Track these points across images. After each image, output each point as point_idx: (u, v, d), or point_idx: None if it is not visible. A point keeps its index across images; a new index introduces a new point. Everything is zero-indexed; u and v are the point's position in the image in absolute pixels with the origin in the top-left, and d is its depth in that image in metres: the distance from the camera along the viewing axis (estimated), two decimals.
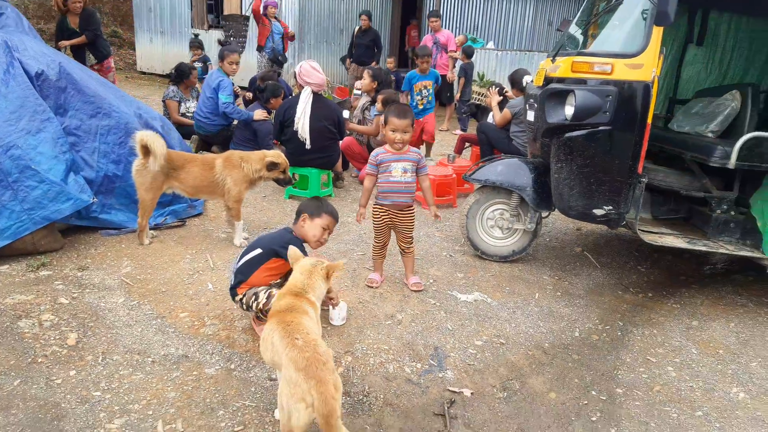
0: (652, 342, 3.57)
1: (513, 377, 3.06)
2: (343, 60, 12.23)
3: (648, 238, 3.92)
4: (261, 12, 10.10)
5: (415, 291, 3.86)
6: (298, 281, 2.51)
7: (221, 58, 6.83)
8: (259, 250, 3.13)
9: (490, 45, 12.84)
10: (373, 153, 3.77)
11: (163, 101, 8.04)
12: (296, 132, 5.49)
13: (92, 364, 2.86)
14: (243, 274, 3.15)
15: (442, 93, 10.00)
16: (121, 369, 2.84)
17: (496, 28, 13.97)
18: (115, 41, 17.38)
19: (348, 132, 6.98)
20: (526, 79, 6.44)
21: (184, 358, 2.97)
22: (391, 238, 3.94)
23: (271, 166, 4.32)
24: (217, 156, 4.36)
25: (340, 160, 6.07)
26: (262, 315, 3.07)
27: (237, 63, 6.89)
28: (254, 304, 3.07)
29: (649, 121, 3.65)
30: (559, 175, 3.98)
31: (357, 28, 11.40)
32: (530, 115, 4.40)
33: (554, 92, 3.94)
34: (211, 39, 13.02)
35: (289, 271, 3.16)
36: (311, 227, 3.21)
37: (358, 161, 6.72)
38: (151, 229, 4.50)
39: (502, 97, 7.00)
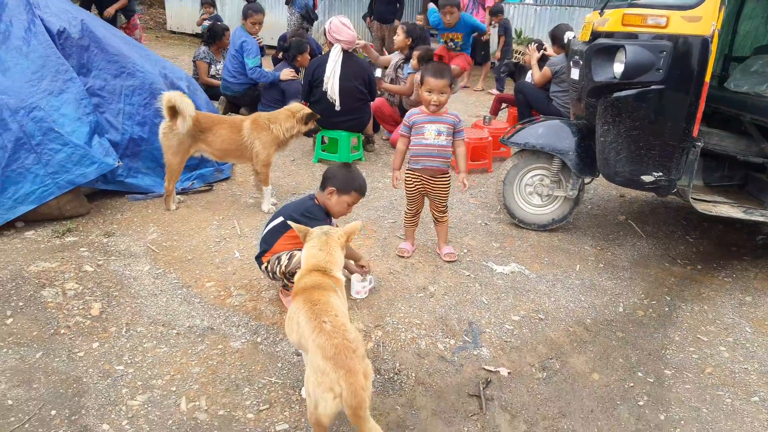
0: (703, 319, 3.34)
1: (553, 356, 2.88)
2: (363, 18, 11.51)
3: (701, 207, 3.64)
4: None
5: (448, 261, 3.68)
6: (318, 258, 2.34)
7: (245, 16, 6.61)
8: (281, 219, 2.98)
9: (529, 0, 12.27)
10: (407, 114, 3.55)
11: (194, 61, 7.88)
12: (325, 92, 5.28)
13: (116, 336, 2.78)
14: (267, 243, 3.02)
15: (476, 51, 9.58)
16: (145, 341, 2.75)
17: None
18: (146, 0, 17.22)
19: (379, 92, 6.74)
20: (569, 35, 6.05)
21: (210, 330, 2.87)
22: (424, 206, 3.75)
23: (309, 117, 4.26)
24: (245, 118, 4.19)
25: (371, 122, 5.84)
26: (286, 281, 2.95)
27: (260, 23, 6.67)
28: (278, 269, 2.94)
29: (707, 80, 3.33)
30: (605, 138, 3.71)
31: None
32: (574, 74, 4.10)
33: (602, 48, 3.64)
34: None
35: None
36: (337, 203, 3.04)
37: (389, 123, 6.49)
38: (178, 194, 4.39)
39: (541, 55, 6.63)
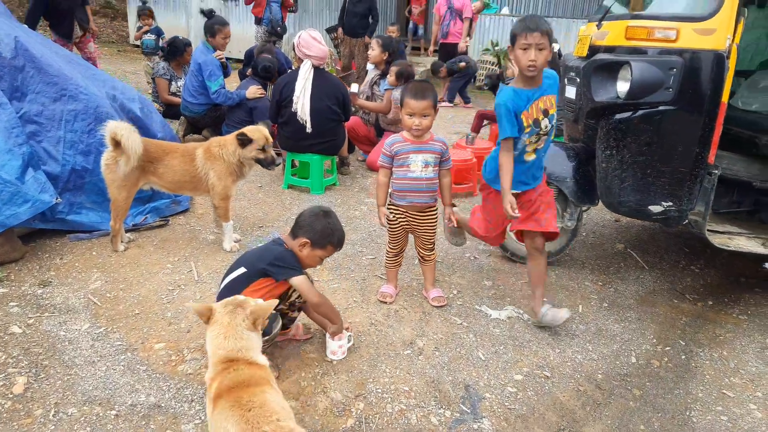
0: (725, 369, 2.95)
1: (565, 425, 2.45)
2: (330, 31, 10.48)
3: (717, 240, 3.27)
4: None
5: (437, 306, 3.24)
6: (226, 347, 1.85)
7: (212, 32, 6.12)
8: (243, 269, 2.52)
9: (505, 11, 12.00)
10: (387, 141, 3.11)
11: (153, 78, 7.38)
12: (295, 113, 4.83)
13: (41, 422, 2.27)
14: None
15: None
16: (77, 428, 2.25)
17: None
18: (108, 12, 16.60)
19: (354, 109, 6.30)
20: (554, 47, 5.72)
21: (157, 408, 2.38)
22: (408, 242, 3.31)
23: (243, 141, 3.57)
24: (199, 145, 3.70)
25: (346, 144, 5.40)
26: None
27: (229, 37, 6.20)
28: None
29: (724, 100, 2.97)
30: (607, 164, 3.32)
31: None
32: (570, 92, 3.72)
33: (603, 64, 3.26)
34: (208, 8, 12.22)
35: (283, 294, 2.58)
36: (309, 256, 2.59)
37: (364, 144, 6.05)
38: (127, 231, 3.89)
39: None
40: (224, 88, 5.94)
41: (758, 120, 3.58)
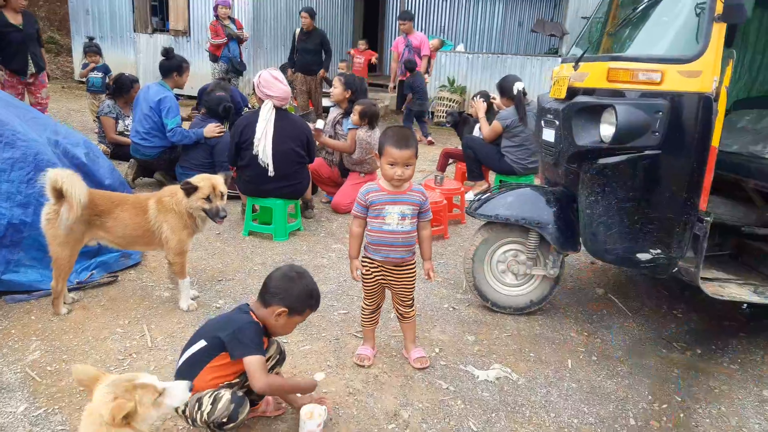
0: (726, 427, 2.78)
1: None
2: (282, 69, 10.22)
3: (710, 290, 3.13)
4: (213, 15, 9.13)
5: (419, 369, 2.98)
6: None
7: (179, 71, 5.83)
8: (203, 343, 2.21)
9: (460, 48, 12.10)
10: (362, 189, 2.86)
11: (98, 117, 7.00)
12: (256, 156, 4.55)
13: None
14: (185, 377, 2.22)
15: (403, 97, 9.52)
16: None
17: (464, 29, 13.28)
18: (52, 48, 15.98)
19: (318, 148, 6.06)
20: (518, 86, 5.67)
21: None
22: (385, 298, 3.05)
23: (187, 189, 3.23)
24: (151, 196, 3.37)
25: (310, 186, 5.13)
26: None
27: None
28: (198, 415, 2.15)
29: (714, 144, 2.86)
30: (592, 210, 3.17)
31: (298, 30, 9.52)
32: (548, 135, 3.58)
33: (584, 107, 3.13)
34: (156, 44, 11.87)
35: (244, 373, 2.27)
36: (287, 324, 2.32)
37: (328, 185, 5.81)
38: (71, 289, 3.50)
39: (487, 107, 6.20)
40: (180, 126, 5.63)
41: (741, 162, 3.51)
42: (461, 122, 7.40)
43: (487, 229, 3.60)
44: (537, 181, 5.99)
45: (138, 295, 3.62)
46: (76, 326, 3.20)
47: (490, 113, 6.19)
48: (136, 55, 12.37)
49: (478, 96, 6.26)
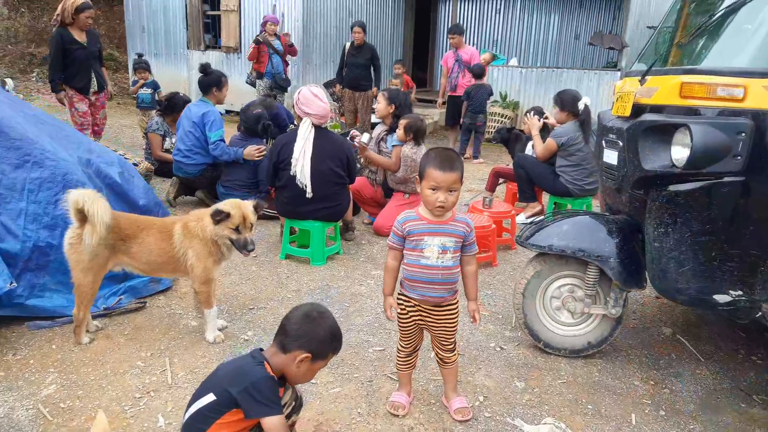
0: None
1: None
2: (328, 85, 9.83)
3: None
4: (259, 33, 9.11)
5: (461, 421, 2.65)
6: None
7: (218, 85, 5.75)
8: (211, 397, 1.96)
9: (513, 62, 11.72)
10: (399, 217, 2.57)
11: (145, 134, 6.99)
12: (294, 177, 4.34)
13: None
14: None
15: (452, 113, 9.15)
16: None
17: (517, 42, 12.91)
18: (111, 65, 16.45)
19: (360, 166, 5.82)
20: (585, 101, 5.28)
21: None
22: (425, 338, 2.75)
23: (216, 216, 2.99)
24: (177, 220, 3.18)
25: (351, 207, 4.89)
26: None
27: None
28: None
29: None
30: (661, 244, 2.78)
31: (348, 44, 9.23)
32: (609, 157, 3.22)
33: (653, 126, 2.77)
34: (208, 61, 11.97)
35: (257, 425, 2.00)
36: (309, 371, 2.05)
37: (370, 206, 5.55)
38: (97, 316, 3.35)
39: (542, 124, 5.83)
40: (223, 141, 5.52)
41: None
42: (512, 139, 7.02)
43: (540, 261, 3.25)
44: (595, 204, 5.59)
45: (164, 323, 3.44)
46: (96, 358, 3.03)
47: (544, 131, 5.82)
48: (189, 72, 12.52)
49: (532, 112, 5.91)
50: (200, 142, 5.56)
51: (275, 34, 9.03)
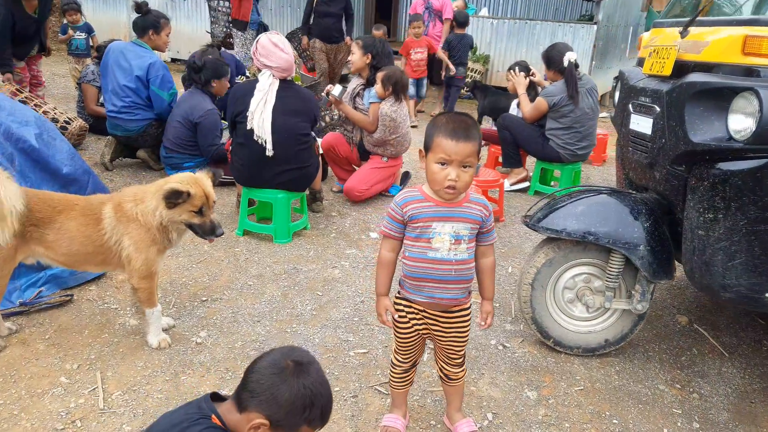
0: None
1: None
2: (292, 36, 8.25)
3: None
4: None
5: None
6: None
7: (155, 28, 4.91)
8: None
9: (484, 12, 11.05)
10: (397, 198, 2.00)
11: (78, 85, 6.11)
12: (251, 132, 3.68)
13: None
14: None
15: (434, 71, 8.17)
16: None
17: None
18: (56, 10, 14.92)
19: (334, 120, 5.17)
20: (569, 56, 4.75)
21: None
22: (425, 350, 2.22)
23: (173, 198, 2.38)
24: (107, 199, 2.51)
25: (320, 174, 4.26)
26: None
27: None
28: None
29: None
30: (707, 232, 2.31)
31: None
32: (639, 124, 2.70)
33: (706, 89, 2.24)
34: (151, 2, 10.86)
35: None
36: None
37: (342, 168, 4.93)
38: (11, 314, 2.70)
39: (528, 82, 5.28)
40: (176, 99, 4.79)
41: None
42: (478, 91, 6.61)
43: (553, 247, 2.74)
44: (584, 170, 5.11)
45: (96, 322, 2.80)
46: (7, 373, 2.39)
47: (532, 88, 5.28)
48: (129, 15, 11.35)
49: (517, 68, 5.33)
50: (142, 99, 4.78)
51: None
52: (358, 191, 4.61)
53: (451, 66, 7.86)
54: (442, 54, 7.88)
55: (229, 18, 7.93)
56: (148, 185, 2.48)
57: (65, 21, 7.35)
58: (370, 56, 4.63)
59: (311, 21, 7.99)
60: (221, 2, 8.00)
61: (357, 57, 4.67)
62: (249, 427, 1.37)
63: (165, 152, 4.64)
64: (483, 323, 2.12)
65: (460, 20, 8.02)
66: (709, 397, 2.66)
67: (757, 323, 3.35)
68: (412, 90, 7.52)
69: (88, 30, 7.38)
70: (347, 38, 7.97)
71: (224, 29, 8.02)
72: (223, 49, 6.61)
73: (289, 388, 1.38)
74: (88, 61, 6.95)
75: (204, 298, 3.09)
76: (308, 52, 8.14)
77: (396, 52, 7.20)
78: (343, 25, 8.04)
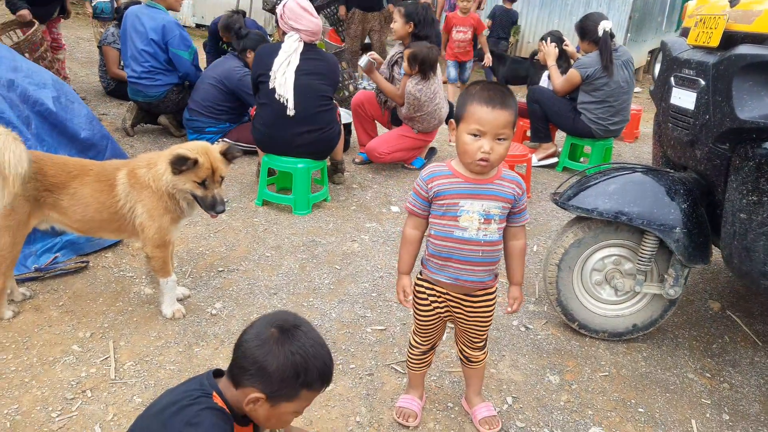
0: None
1: None
2: (326, 5, 7.38)
3: None
4: None
5: None
6: None
7: None
8: None
9: None
10: (423, 172, 1.88)
11: (99, 47, 6.06)
12: (273, 92, 3.59)
13: None
14: None
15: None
16: None
17: None
18: None
19: (357, 87, 5.06)
20: (605, 25, 4.54)
21: None
22: (445, 333, 2.13)
23: (178, 163, 2.28)
24: (122, 165, 2.44)
25: (341, 143, 4.15)
26: None
27: None
28: None
29: None
30: (750, 215, 2.17)
31: None
32: (681, 98, 2.53)
33: (758, 62, 2.08)
34: None
35: None
36: (270, 417, 1.38)
37: (366, 129, 4.82)
38: (27, 279, 2.68)
39: (559, 52, 5.07)
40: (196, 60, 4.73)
41: None
42: (495, 58, 6.46)
43: (582, 227, 2.62)
44: (616, 147, 4.91)
45: (111, 290, 2.76)
46: (19, 339, 2.36)
47: (563, 59, 5.08)
48: None
49: (549, 38, 5.12)
50: (161, 62, 4.71)
51: None
52: (380, 152, 4.50)
53: (488, 57, 7.14)
54: (484, 41, 7.24)
55: None
56: (164, 151, 2.41)
57: None
58: (412, 24, 4.48)
59: None
60: None
61: (399, 25, 4.53)
62: (246, 402, 1.31)
63: (189, 114, 4.58)
64: (509, 308, 2.02)
65: None
66: (740, 387, 2.54)
67: None
68: (453, 73, 6.90)
69: None
70: (389, 5, 7.22)
71: None
72: (246, 16, 6.47)
73: (276, 358, 1.31)
74: (111, 24, 6.89)
75: (220, 269, 3.03)
76: (345, 24, 7.62)
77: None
78: None
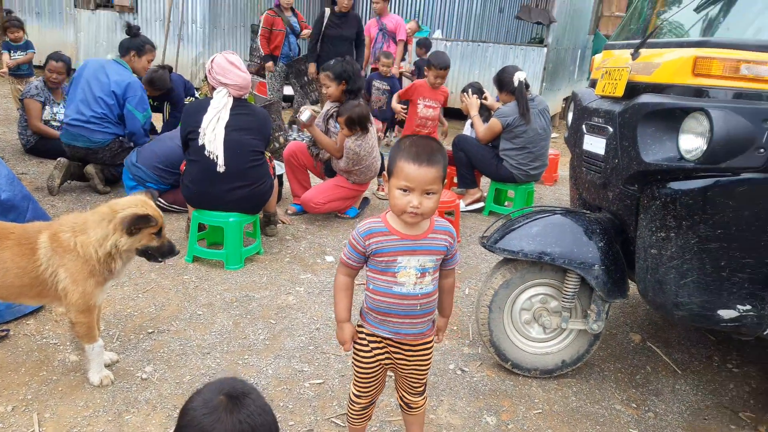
0: None
1: None
2: (292, 64, 7.70)
3: None
4: (275, 4, 7.88)
5: None
6: None
7: (139, 50, 4.88)
8: None
9: (437, 34, 11.20)
10: (359, 228, 1.90)
11: (21, 100, 5.85)
12: (203, 148, 3.58)
13: None
14: None
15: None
16: None
17: (440, 14, 12.38)
18: None
19: (287, 139, 5.10)
20: (519, 76, 4.82)
21: None
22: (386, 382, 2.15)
23: (138, 224, 2.26)
24: (43, 227, 2.36)
25: (275, 196, 4.17)
26: None
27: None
28: None
29: None
30: (660, 251, 2.33)
31: (327, 11, 7.27)
32: (592, 145, 2.73)
33: (658, 110, 2.28)
34: (99, 22, 10.61)
35: None
36: None
37: (299, 179, 4.85)
38: None
39: (480, 104, 5.33)
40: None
41: None
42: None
43: (509, 268, 2.73)
44: (537, 189, 5.14)
45: (33, 359, 2.62)
46: None
47: (484, 110, 5.34)
48: (77, 35, 11.05)
49: (470, 90, 5.38)
50: (113, 115, 4.68)
51: (291, 8, 7.83)
52: (315, 203, 4.53)
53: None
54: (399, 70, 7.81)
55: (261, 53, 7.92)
56: (88, 213, 2.35)
57: (6, 38, 7.06)
58: (344, 83, 4.58)
59: (318, 47, 7.39)
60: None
61: (333, 89, 4.60)
62: None
63: (137, 159, 4.48)
64: (436, 339, 2.06)
65: (428, 45, 8.25)
66: (663, 415, 2.67)
67: (707, 339, 3.41)
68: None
69: (27, 47, 7.11)
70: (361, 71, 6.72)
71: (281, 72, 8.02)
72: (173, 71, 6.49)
73: (224, 426, 1.28)
74: (32, 79, 6.69)
75: (150, 330, 2.94)
76: (314, 84, 7.57)
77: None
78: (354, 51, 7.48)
